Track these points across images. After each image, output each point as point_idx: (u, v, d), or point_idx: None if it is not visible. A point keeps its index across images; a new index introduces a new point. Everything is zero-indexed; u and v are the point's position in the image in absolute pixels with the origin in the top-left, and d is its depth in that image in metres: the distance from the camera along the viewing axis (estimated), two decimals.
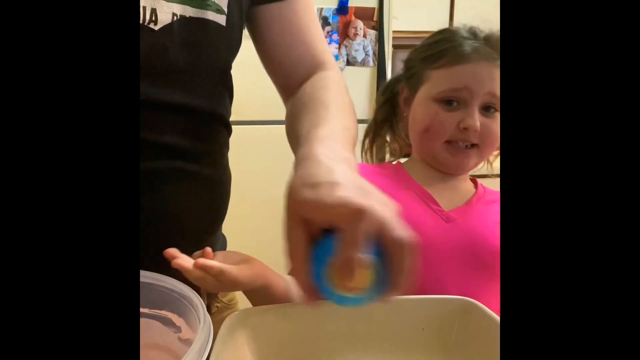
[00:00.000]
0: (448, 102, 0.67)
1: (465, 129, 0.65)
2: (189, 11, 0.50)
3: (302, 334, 0.45)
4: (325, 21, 1.80)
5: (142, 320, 0.39)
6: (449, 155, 0.68)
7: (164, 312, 0.40)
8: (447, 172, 0.71)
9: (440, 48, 0.69)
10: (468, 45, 0.68)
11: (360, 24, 1.82)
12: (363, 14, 1.82)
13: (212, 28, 0.52)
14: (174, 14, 0.50)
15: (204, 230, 0.60)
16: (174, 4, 0.50)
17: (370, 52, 1.84)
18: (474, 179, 0.76)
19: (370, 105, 1.88)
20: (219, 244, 0.68)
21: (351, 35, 1.82)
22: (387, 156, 0.84)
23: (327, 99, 0.53)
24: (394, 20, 1.86)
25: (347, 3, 1.80)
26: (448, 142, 0.68)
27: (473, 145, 0.68)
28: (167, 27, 0.49)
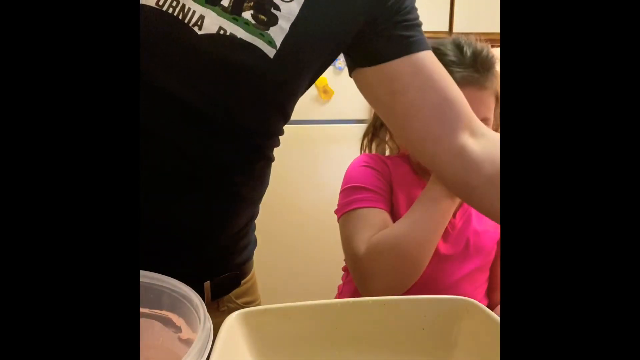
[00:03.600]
0: None
1: None
2: (241, 33, 0.51)
3: (302, 334, 0.45)
4: None
5: (142, 320, 0.39)
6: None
7: (164, 312, 0.40)
8: None
9: None
10: (456, 73, 0.67)
11: None
12: None
13: (258, 56, 0.52)
14: (221, 28, 0.50)
15: (202, 236, 0.59)
16: (226, 20, 0.50)
17: None
18: None
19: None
20: (244, 254, 0.67)
21: None
22: (387, 152, 0.87)
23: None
24: None
25: None
26: None
27: None
28: (212, 37, 0.50)
